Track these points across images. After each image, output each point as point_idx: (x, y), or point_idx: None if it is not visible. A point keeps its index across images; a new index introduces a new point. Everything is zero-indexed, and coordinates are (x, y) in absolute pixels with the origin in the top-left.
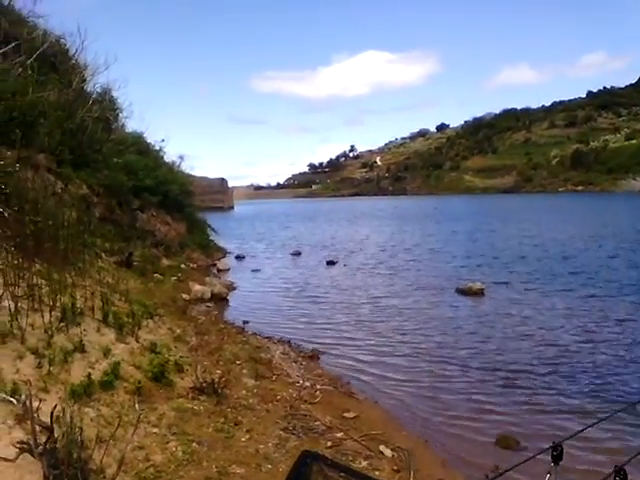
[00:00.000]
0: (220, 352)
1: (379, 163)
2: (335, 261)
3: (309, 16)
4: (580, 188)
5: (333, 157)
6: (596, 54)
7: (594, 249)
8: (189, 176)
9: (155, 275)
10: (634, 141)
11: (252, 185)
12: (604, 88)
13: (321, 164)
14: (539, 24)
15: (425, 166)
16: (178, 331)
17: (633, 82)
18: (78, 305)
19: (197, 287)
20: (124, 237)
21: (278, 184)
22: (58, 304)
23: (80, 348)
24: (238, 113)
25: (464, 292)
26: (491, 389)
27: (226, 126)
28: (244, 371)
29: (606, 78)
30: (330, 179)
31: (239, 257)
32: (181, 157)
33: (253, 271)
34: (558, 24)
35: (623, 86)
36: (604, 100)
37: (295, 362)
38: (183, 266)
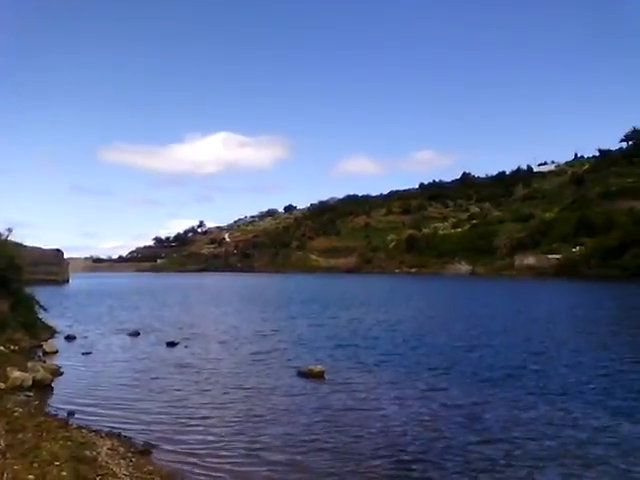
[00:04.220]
0: (36, 452)
1: (228, 240)
2: (176, 342)
3: (162, 95)
4: (414, 270)
5: (181, 232)
6: (425, 152)
7: (442, 332)
8: (18, 247)
9: None
10: (459, 229)
11: (91, 257)
12: (433, 181)
13: (168, 238)
14: (377, 120)
15: (273, 244)
16: None
17: (457, 178)
18: None
19: (16, 374)
20: None
21: (120, 257)
22: None
23: None
24: (81, 182)
25: (305, 375)
26: None
27: (67, 195)
28: (63, 473)
29: (436, 172)
30: (177, 254)
31: (69, 337)
32: (9, 229)
33: (84, 354)
34: (393, 122)
35: (449, 180)
36: (434, 192)
37: (124, 459)
38: (2, 349)
